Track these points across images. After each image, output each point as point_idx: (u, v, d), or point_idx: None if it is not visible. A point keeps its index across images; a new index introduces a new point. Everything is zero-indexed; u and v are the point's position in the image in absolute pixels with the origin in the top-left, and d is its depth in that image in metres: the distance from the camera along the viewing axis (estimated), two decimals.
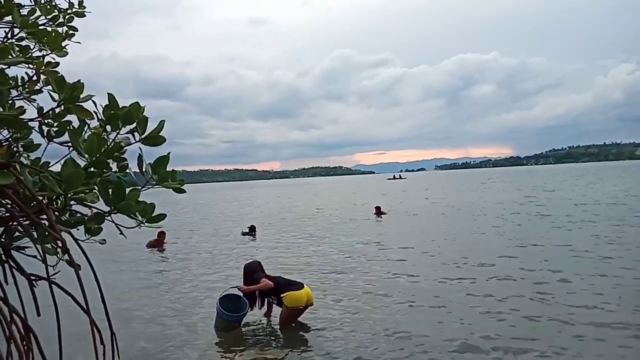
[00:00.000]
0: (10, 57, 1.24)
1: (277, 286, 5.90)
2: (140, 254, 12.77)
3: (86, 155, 1.22)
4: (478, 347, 5.00)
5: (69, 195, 1.23)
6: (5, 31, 1.55)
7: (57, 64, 1.77)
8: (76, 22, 1.92)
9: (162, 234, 14.09)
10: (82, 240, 1.66)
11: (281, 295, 5.83)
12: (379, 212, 20.51)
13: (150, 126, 1.44)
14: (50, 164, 1.68)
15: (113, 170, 1.48)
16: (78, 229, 1.70)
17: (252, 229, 15.96)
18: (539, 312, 6.03)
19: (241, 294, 6.04)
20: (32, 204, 1.38)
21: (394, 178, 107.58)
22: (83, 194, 1.29)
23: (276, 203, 36.98)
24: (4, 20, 1.39)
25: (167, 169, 1.42)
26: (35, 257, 1.67)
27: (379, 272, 8.96)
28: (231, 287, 6.18)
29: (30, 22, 1.52)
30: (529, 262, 8.94)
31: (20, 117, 1.45)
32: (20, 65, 1.56)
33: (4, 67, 1.21)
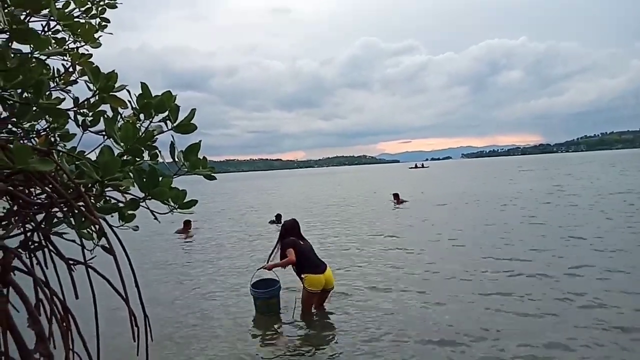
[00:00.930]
0: (49, 48, 1.28)
1: (300, 262, 5.91)
2: (169, 242, 13.13)
3: (121, 143, 1.26)
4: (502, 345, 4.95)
5: (106, 181, 1.28)
6: (42, 24, 1.60)
7: (91, 55, 1.82)
8: (108, 13, 1.97)
9: (188, 223, 14.54)
10: (117, 227, 1.72)
11: (302, 276, 5.91)
12: (398, 200, 20.45)
13: (181, 115, 1.48)
14: (86, 153, 1.74)
15: (145, 158, 1.52)
16: (112, 216, 1.77)
17: (278, 218, 16.12)
18: (565, 309, 5.91)
19: (269, 273, 6.18)
20: (70, 191, 1.44)
21: (416, 167, 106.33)
22: (119, 181, 1.33)
23: (300, 193, 37.16)
24: (41, 14, 1.44)
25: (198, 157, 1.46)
26: (73, 241, 1.74)
27: (397, 262, 8.95)
28: (257, 270, 6.31)
29: (65, 14, 1.56)
30: (555, 260, 8.71)
31: (56, 103, 1.50)
32: (56, 57, 1.61)
33: (44, 58, 1.26)
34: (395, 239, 11.62)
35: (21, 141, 1.68)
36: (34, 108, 1.16)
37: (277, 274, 6.25)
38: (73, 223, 1.58)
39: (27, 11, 1.25)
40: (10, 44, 1.11)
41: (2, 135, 1.54)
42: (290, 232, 6.25)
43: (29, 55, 1.12)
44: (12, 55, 1.10)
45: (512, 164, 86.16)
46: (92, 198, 1.48)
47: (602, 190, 21.34)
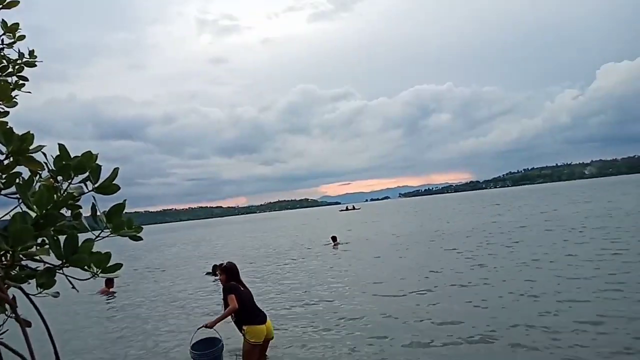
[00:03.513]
0: None
1: (241, 311, 5.71)
2: (92, 304, 12.23)
3: (35, 209, 1.19)
4: None
5: (18, 251, 1.19)
6: None
7: (7, 113, 1.73)
8: (26, 71, 1.90)
9: (110, 281, 13.84)
10: (34, 295, 1.59)
11: (243, 327, 5.71)
12: (335, 242, 21.08)
13: (108, 169, 1.42)
14: (0, 216, 1.62)
15: (67, 217, 1.44)
16: (29, 283, 1.63)
17: (214, 269, 15.59)
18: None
19: (209, 331, 5.86)
20: None
21: (347, 209, 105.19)
22: (35, 248, 1.25)
23: (238, 241, 36.34)
24: None
25: (125, 214, 1.40)
26: None
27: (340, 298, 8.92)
28: (198, 329, 5.98)
29: None
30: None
31: None
32: None
33: None
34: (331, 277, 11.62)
35: None
36: None
37: (219, 333, 5.96)
38: None
39: None
40: None
41: None
42: (231, 276, 6.05)
43: None
44: None
45: (446, 202, 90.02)
46: (2, 267, 1.37)
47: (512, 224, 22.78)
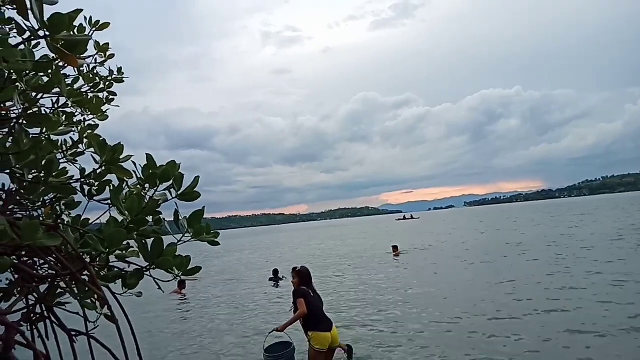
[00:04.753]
0: (59, 127, 1.34)
1: (309, 316, 5.75)
2: (166, 304, 12.85)
3: (126, 213, 1.28)
4: None
5: (111, 252, 1.29)
6: (52, 100, 1.67)
7: (97, 126, 1.89)
8: (114, 86, 2.06)
9: (182, 283, 14.30)
10: (120, 294, 1.71)
11: (309, 333, 5.74)
12: (396, 251, 20.90)
13: (186, 178, 1.51)
14: (90, 220, 1.76)
15: (149, 223, 1.54)
16: (115, 283, 1.76)
17: (276, 274, 15.87)
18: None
19: (282, 335, 5.99)
20: (75, 261, 1.44)
21: (404, 219, 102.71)
22: (124, 251, 1.35)
23: (302, 248, 36.76)
24: (52, 92, 1.51)
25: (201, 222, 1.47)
26: (77, 313, 1.72)
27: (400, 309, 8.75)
28: (270, 333, 6.13)
29: (75, 91, 1.64)
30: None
31: (64, 178, 1.54)
32: None
33: (55, 137, 1.31)
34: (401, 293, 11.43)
35: (27, 213, 1.71)
36: (42, 187, 1.20)
37: (290, 336, 6.05)
38: (76, 293, 1.57)
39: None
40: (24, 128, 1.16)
41: (10, 206, 1.56)
42: (303, 281, 6.11)
43: (41, 136, 1.18)
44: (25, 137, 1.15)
45: (510, 212, 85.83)
46: (95, 268, 1.49)
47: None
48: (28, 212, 1.81)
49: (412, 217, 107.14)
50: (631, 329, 6.65)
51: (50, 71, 1.26)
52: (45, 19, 0.93)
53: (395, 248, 21.10)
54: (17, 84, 1.19)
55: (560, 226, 30.62)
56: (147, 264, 1.34)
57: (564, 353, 6.02)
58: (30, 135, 1.22)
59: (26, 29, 0.95)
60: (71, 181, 1.51)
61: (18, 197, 1.58)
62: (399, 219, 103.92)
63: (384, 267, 17.21)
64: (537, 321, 7.52)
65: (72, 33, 1.06)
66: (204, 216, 1.57)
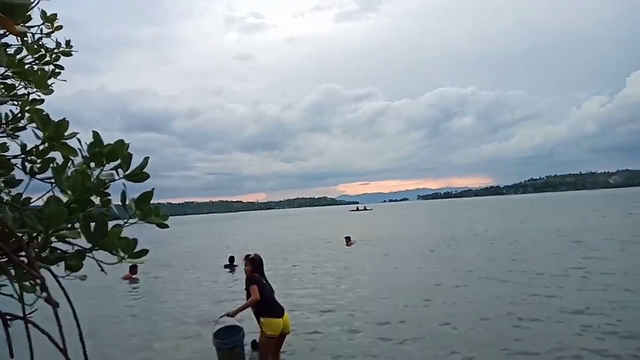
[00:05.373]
0: None
1: (261, 303, 5.75)
2: (116, 289, 12.51)
3: (69, 193, 1.23)
4: None
5: (50, 232, 1.23)
6: None
7: (42, 100, 1.79)
8: (62, 59, 1.95)
9: (134, 267, 14.00)
10: (62, 277, 1.64)
11: (260, 319, 5.75)
12: (348, 242, 21.44)
13: (136, 160, 1.46)
14: (32, 200, 1.67)
15: (96, 204, 1.48)
16: (58, 265, 1.68)
17: (231, 260, 15.77)
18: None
19: (231, 320, 5.94)
20: (10, 241, 1.37)
21: (357, 210, 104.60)
22: (65, 231, 1.29)
23: (257, 236, 36.64)
24: None
25: (151, 204, 1.43)
26: (11, 296, 1.64)
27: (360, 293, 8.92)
28: (220, 318, 6.08)
29: (16, 62, 1.54)
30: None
31: (4, 154, 1.46)
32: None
33: None
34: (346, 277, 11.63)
35: None
36: None
37: (238, 320, 6.02)
38: (12, 274, 1.50)
39: None
40: None
41: None
42: (256, 268, 6.09)
43: None
44: None
45: (460, 206, 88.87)
46: (35, 249, 1.42)
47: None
48: None
49: (365, 209, 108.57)
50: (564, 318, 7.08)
51: None
52: None
53: (348, 239, 21.52)
54: None
55: (507, 221, 32.05)
56: (90, 245, 1.29)
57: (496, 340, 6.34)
58: None
59: None
60: (10, 156, 1.43)
61: None
62: (352, 210, 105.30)
63: (336, 255, 17.47)
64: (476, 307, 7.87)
65: None
66: (160, 201, 1.53)
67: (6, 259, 1.45)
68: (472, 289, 9.65)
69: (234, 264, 15.58)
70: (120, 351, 6.80)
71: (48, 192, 1.64)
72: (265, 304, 5.80)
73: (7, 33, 1.47)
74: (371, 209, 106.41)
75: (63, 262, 1.56)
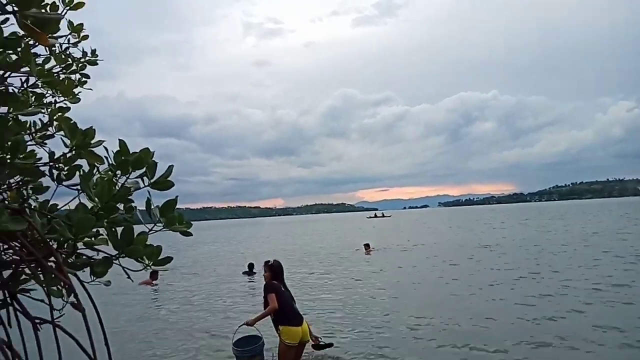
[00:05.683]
0: (28, 108, 1.29)
1: (280, 311, 5.70)
2: (136, 294, 12.65)
3: (96, 200, 1.25)
4: None
5: (79, 239, 1.26)
6: (21, 79, 1.61)
7: (68, 109, 1.83)
8: (87, 68, 2.00)
9: (154, 274, 14.07)
10: (88, 282, 1.66)
11: (279, 327, 5.71)
12: (367, 249, 21.27)
13: (159, 168, 1.48)
14: (59, 206, 1.71)
15: (120, 211, 1.51)
16: (84, 271, 1.71)
17: (251, 268, 15.78)
18: None
19: (251, 329, 5.93)
20: (40, 247, 1.40)
21: (375, 216, 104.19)
22: (92, 239, 1.31)
23: (275, 242, 36.71)
24: (21, 70, 1.45)
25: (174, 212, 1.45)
26: (42, 300, 1.67)
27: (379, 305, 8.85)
28: (239, 326, 6.07)
29: (45, 71, 1.58)
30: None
31: (32, 161, 1.49)
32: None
33: (22, 116, 1.27)
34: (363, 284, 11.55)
35: None
36: (8, 169, 1.16)
37: (259, 330, 6.01)
38: (41, 279, 1.53)
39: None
40: None
41: None
42: (275, 275, 6.03)
43: (8, 116, 1.13)
44: None
45: (486, 213, 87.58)
46: (62, 255, 1.45)
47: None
48: None
49: (383, 215, 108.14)
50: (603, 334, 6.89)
51: (19, 49, 1.21)
52: None
53: (367, 246, 21.37)
54: None
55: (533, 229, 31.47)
56: (116, 252, 1.31)
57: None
58: None
59: None
60: (39, 164, 1.46)
61: None
62: (370, 217, 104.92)
63: (355, 264, 17.36)
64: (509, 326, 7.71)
65: (43, 10, 1.01)
66: (179, 207, 1.54)
67: (34, 264, 1.48)
68: (502, 303, 9.44)
69: (253, 271, 15.61)
70: (138, 358, 6.87)
71: (74, 198, 1.68)
72: (284, 313, 5.75)
73: (37, 44, 1.52)
74: (389, 216, 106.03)
75: (88, 267, 1.59)
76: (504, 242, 22.12)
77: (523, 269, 13.25)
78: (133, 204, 1.57)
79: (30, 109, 1.28)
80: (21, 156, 1.22)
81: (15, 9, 0.89)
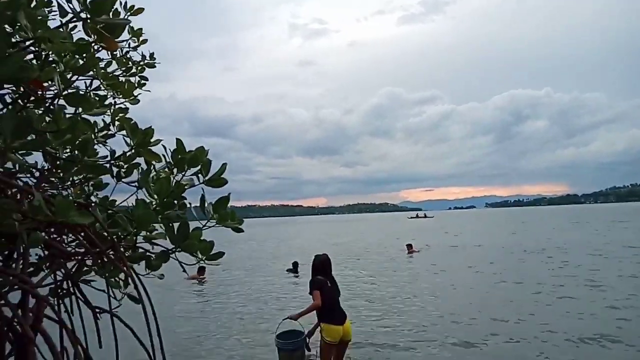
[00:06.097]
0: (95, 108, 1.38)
1: (323, 308, 5.64)
2: (185, 288, 13.07)
3: (155, 197, 1.31)
4: None
5: (139, 233, 1.32)
6: (85, 82, 1.71)
7: (127, 109, 1.92)
8: (146, 71, 2.09)
9: (202, 269, 14.37)
10: (143, 275, 1.75)
11: (320, 324, 5.69)
12: (410, 249, 21.11)
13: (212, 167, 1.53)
14: (117, 202, 1.80)
15: (175, 207, 1.57)
16: (139, 264, 1.80)
17: (295, 266, 15.93)
18: None
19: (294, 324, 5.97)
20: (103, 240, 1.48)
21: (417, 217, 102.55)
22: (150, 233, 1.38)
23: (320, 241, 36.86)
24: (87, 74, 1.54)
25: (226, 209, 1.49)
26: (102, 291, 1.77)
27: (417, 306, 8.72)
28: (283, 320, 6.14)
29: (108, 74, 1.67)
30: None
31: (96, 159, 1.58)
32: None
33: (90, 118, 1.35)
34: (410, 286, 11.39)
35: (57, 192, 1.75)
36: (77, 165, 1.23)
37: (302, 324, 6.05)
38: (103, 271, 1.61)
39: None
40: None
41: (43, 185, 1.61)
42: (320, 270, 5.89)
43: (78, 116, 1.21)
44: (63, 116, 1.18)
45: (531, 215, 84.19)
46: (122, 248, 1.53)
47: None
48: (57, 191, 1.86)
49: (425, 216, 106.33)
50: None
51: (86, 54, 1.29)
52: (87, 1, 0.95)
53: (409, 246, 21.16)
54: (55, 65, 1.22)
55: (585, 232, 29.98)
56: (173, 246, 1.37)
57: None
58: (66, 116, 1.25)
59: (69, 10, 0.97)
60: (102, 162, 1.55)
61: (47, 174, 1.62)
62: (412, 217, 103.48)
63: (398, 264, 17.19)
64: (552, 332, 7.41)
65: (110, 17, 1.08)
66: None
67: (97, 255, 1.57)
68: (552, 308, 9.08)
69: (297, 269, 15.77)
70: (183, 350, 7.10)
71: (132, 195, 1.76)
72: (327, 310, 5.69)
73: (100, 48, 1.60)
74: (432, 217, 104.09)
75: (144, 261, 1.67)
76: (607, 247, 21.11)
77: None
78: (186, 201, 1.63)
79: (96, 109, 1.35)
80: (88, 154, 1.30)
81: (88, 16, 0.96)
